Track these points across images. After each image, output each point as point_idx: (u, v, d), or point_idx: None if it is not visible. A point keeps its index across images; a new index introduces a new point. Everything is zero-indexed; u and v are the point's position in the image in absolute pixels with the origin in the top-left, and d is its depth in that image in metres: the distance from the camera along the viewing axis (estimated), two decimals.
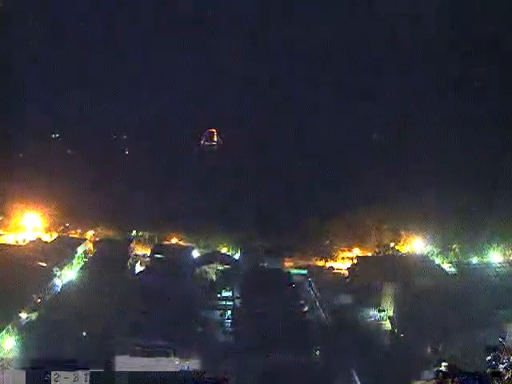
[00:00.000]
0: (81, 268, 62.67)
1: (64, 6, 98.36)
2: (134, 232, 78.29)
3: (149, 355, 39.51)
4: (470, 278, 57.88)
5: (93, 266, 60.68)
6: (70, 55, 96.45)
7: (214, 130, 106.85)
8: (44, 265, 57.98)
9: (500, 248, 71.50)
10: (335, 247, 76.28)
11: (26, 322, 47.65)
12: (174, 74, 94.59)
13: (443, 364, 44.42)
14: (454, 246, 73.05)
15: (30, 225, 75.86)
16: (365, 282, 60.50)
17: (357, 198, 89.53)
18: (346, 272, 68.18)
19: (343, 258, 74.93)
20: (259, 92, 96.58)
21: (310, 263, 73.02)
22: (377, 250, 75.69)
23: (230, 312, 54.68)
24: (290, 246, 79.02)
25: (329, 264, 73.61)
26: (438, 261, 69.81)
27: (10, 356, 41.13)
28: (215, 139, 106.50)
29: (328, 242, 77.41)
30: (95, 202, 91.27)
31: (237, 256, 71.35)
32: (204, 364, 42.20)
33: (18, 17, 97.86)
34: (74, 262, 64.44)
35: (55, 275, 57.82)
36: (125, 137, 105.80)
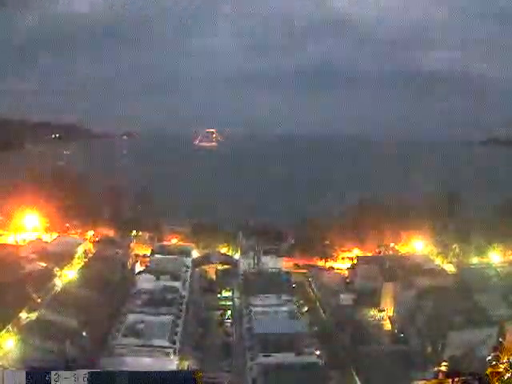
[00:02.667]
0: (81, 268, 62.61)
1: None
2: (134, 232, 78.40)
3: (149, 355, 39.81)
4: (470, 277, 57.77)
5: (93, 265, 60.61)
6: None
7: (213, 130, 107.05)
8: (44, 265, 57.95)
9: (500, 248, 71.54)
10: (335, 247, 76.38)
11: (26, 322, 47.54)
12: None
13: (443, 364, 44.52)
14: (454, 246, 73.06)
15: (30, 225, 75.95)
16: (365, 282, 60.53)
17: (357, 198, 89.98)
18: (346, 272, 68.19)
19: (343, 258, 75.05)
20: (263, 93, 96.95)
21: (310, 263, 73.20)
22: (377, 249, 75.75)
23: (229, 312, 54.70)
24: (290, 245, 79.31)
25: (329, 264, 73.78)
26: (438, 261, 69.81)
27: (10, 356, 41.06)
28: (214, 139, 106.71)
29: (328, 241, 77.47)
30: (95, 202, 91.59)
31: (237, 256, 71.37)
32: (204, 364, 42.53)
33: None
34: (74, 261, 64.38)
35: (55, 275, 57.76)
36: (125, 137, 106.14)
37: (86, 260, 65.48)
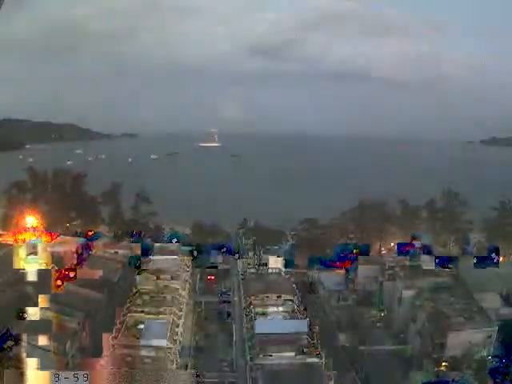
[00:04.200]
0: (81, 268, 62.60)
1: None
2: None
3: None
4: (470, 277, 57.82)
5: (93, 265, 60.65)
6: None
7: (214, 130, 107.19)
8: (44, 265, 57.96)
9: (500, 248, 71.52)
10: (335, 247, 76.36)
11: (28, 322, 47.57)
12: None
13: (443, 364, 44.50)
14: (453, 246, 73.18)
15: (30, 224, 75.79)
16: (364, 281, 60.62)
17: (357, 198, 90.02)
18: (347, 272, 68.17)
19: (344, 258, 74.98)
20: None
21: None
22: (377, 249, 75.87)
23: (229, 311, 54.76)
24: (290, 245, 79.29)
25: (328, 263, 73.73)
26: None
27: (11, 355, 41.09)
28: (216, 139, 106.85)
29: (328, 241, 77.49)
30: (96, 203, 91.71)
31: (236, 256, 71.42)
32: (204, 364, 42.53)
33: None
34: (74, 261, 64.38)
35: (55, 275, 57.73)
36: (126, 137, 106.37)
37: (87, 260, 65.60)
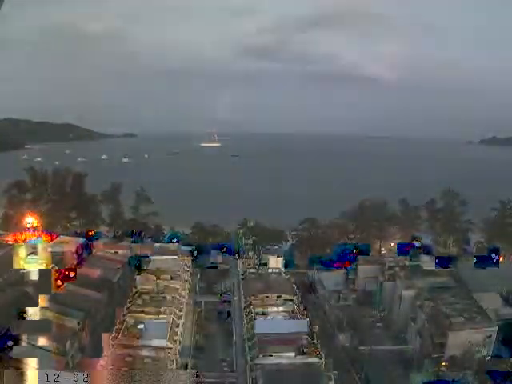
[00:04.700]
0: (81, 268, 62.60)
1: None
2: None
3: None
4: (470, 277, 57.87)
5: (93, 265, 60.67)
6: None
7: (214, 130, 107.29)
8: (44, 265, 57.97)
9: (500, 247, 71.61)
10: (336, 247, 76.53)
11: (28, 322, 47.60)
12: None
13: (443, 364, 44.51)
14: (453, 245, 73.28)
15: (30, 224, 75.84)
16: (364, 281, 60.64)
17: (357, 198, 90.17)
18: (346, 272, 68.23)
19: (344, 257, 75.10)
20: None
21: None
22: (377, 249, 76.00)
23: (229, 312, 54.73)
24: (290, 245, 79.41)
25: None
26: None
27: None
28: (216, 139, 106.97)
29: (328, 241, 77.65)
30: (96, 202, 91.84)
31: (236, 256, 71.39)
32: (204, 364, 42.51)
33: None
34: (75, 261, 64.40)
35: (55, 275, 57.72)
36: (126, 137, 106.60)
37: (87, 260, 65.60)
